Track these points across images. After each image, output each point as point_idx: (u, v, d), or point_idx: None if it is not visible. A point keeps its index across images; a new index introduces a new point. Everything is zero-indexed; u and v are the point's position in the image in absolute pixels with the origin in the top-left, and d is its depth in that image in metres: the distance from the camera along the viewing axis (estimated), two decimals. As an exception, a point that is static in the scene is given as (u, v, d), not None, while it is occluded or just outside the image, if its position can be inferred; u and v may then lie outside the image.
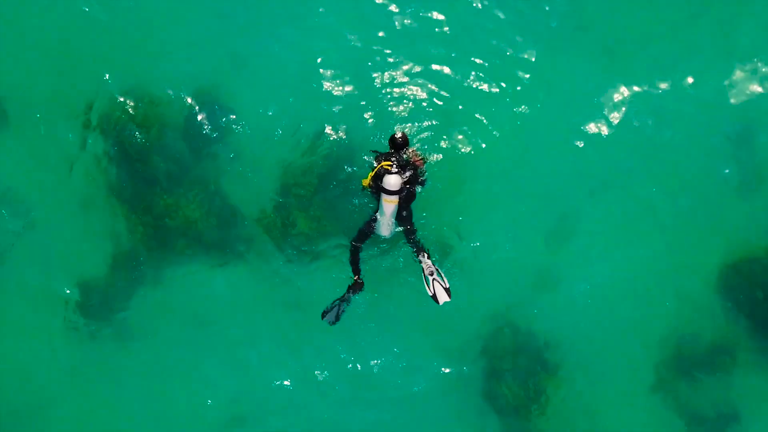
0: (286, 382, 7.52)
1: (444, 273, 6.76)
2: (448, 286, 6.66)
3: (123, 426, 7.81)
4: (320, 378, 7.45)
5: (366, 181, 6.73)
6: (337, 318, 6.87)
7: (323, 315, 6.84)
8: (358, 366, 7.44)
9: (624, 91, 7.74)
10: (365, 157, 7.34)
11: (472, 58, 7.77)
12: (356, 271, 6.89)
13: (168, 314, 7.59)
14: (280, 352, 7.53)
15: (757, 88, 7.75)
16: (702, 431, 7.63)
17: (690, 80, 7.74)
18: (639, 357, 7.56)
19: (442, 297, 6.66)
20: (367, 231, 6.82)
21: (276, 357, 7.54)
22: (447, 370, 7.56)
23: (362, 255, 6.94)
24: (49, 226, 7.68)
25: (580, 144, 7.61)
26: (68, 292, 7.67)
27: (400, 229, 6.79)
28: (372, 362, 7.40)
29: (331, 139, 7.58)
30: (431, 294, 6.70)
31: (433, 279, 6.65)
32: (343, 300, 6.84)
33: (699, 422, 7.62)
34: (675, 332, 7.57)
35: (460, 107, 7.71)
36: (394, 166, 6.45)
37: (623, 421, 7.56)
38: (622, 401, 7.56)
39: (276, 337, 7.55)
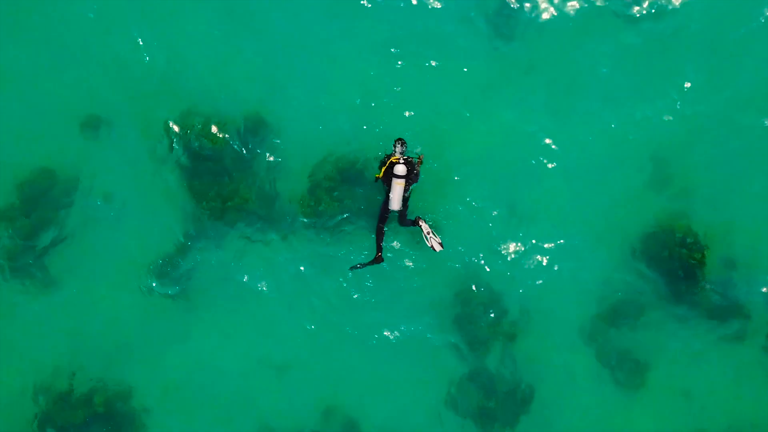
0: (311, 326, 9.99)
1: (435, 231, 9.47)
2: (440, 240, 9.36)
3: (181, 373, 10.03)
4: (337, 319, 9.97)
5: (379, 175, 9.40)
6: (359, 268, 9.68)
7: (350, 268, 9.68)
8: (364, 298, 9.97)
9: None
10: (375, 158, 10.01)
11: (451, 97, 10.59)
12: (379, 248, 9.64)
13: (223, 273, 10.02)
14: (310, 302, 9.99)
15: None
16: (625, 368, 10.15)
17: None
18: (573, 307, 10.17)
19: (437, 248, 9.44)
20: (384, 213, 9.49)
21: (307, 307, 10.00)
22: (428, 318, 10.12)
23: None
24: (134, 211, 10.15)
25: (531, 146, 10.42)
26: (147, 260, 10.06)
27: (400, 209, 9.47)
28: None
29: (348, 147, 10.24)
30: (430, 245, 9.39)
31: (430, 235, 9.33)
32: (364, 266, 9.54)
33: (620, 364, 10.14)
34: (602, 288, 10.23)
35: (444, 128, 10.48)
36: (401, 159, 9.17)
37: (562, 359, 10.08)
38: (562, 343, 10.12)
39: (306, 291, 10.02)
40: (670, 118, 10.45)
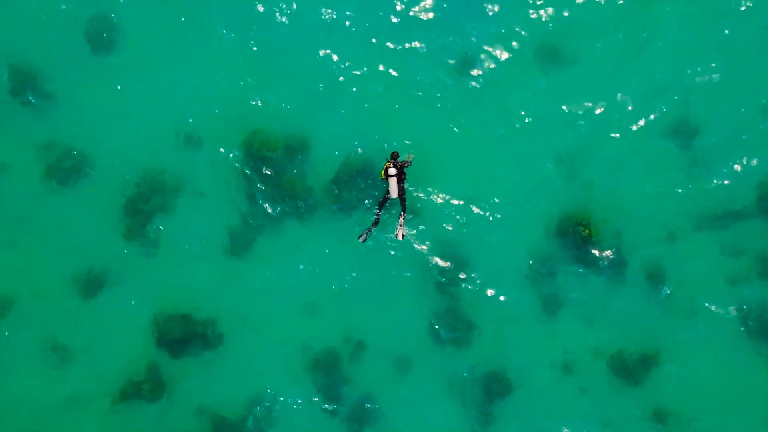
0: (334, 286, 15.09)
1: (405, 225, 14.59)
2: (405, 233, 14.45)
3: (249, 308, 15.14)
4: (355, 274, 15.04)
5: (383, 174, 14.41)
6: (365, 239, 14.49)
7: (359, 237, 14.50)
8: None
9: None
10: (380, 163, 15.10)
11: (431, 117, 15.62)
12: (377, 217, 14.57)
13: (278, 236, 15.14)
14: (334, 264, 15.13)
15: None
16: (548, 303, 15.10)
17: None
18: (510, 261, 15.21)
19: (400, 237, 14.55)
20: (385, 196, 14.49)
21: (332, 262, 15.10)
22: (408, 274, 15.11)
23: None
24: (220, 201, 15.20)
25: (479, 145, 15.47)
26: (228, 231, 15.14)
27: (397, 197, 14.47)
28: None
29: (361, 156, 15.26)
30: (395, 234, 14.54)
31: (400, 228, 14.45)
32: (370, 230, 14.51)
33: (544, 299, 15.10)
34: (530, 251, 15.23)
35: (427, 143, 15.50)
36: (392, 165, 14.21)
37: (504, 295, 15.10)
38: (503, 284, 15.15)
39: (332, 253, 15.14)
40: (579, 134, 15.52)
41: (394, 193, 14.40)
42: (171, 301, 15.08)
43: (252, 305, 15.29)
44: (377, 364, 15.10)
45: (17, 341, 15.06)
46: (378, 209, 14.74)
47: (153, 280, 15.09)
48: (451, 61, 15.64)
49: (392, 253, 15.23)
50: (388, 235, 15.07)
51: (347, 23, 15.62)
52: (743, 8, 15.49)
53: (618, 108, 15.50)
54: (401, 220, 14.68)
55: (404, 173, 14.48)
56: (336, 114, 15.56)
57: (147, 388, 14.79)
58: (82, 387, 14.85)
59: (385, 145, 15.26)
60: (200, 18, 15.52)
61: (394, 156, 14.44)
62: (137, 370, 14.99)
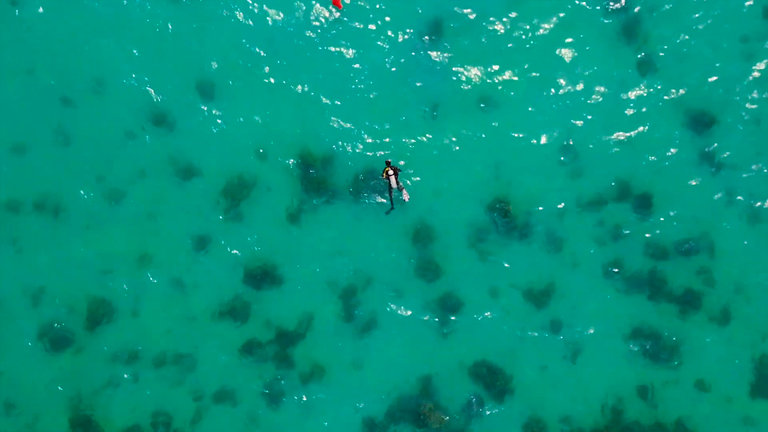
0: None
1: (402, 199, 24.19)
2: (408, 198, 24.07)
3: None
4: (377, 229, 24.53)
5: (383, 175, 23.95)
6: (389, 213, 24.32)
7: (386, 213, 24.27)
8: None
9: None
10: (379, 167, 24.64)
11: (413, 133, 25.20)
12: (391, 202, 24.20)
13: (315, 214, 24.64)
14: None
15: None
16: (481, 254, 24.58)
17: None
18: (458, 230, 24.67)
19: (406, 199, 24.08)
20: (390, 188, 24.00)
21: (352, 228, 24.61)
22: (393, 254, 24.61)
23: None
24: (280, 195, 24.70)
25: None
26: (283, 212, 24.64)
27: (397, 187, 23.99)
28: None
29: (367, 165, 24.81)
30: (403, 198, 24.08)
31: (403, 190, 24.05)
32: (392, 208, 24.22)
33: (479, 254, 24.58)
34: (469, 225, 24.73)
35: (409, 155, 25.06)
36: (389, 169, 23.80)
37: (454, 253, 24.56)
38: (454, 247, 24.61)
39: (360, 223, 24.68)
40: (506, 151, 25.07)
41: (394, 185, 23.85)
42: (254, 255, 24.51)
43: (297, 257, 24.67)
44: (380, 291, 24.51)
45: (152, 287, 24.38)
46: (390, 196, 24.27)
47: (242, 239, 24.61)
48: (425, 109, 25.36)
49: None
50: (401, 198, 24.45)
51: (372, 95, 25.30)
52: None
53: (530, 135, 25.16)
54: (404, 192, 24.15)
55: (398, 172, 23.96)
56: (352, 145, 25.19)
57: (238, 306, 24.20)
58: (201, 310, 24.25)
59: (380, 152, 25.00)
60: (282, 79, 25.27)
61: (388, 163, 23.94)
62: (229, 298, 24.36)
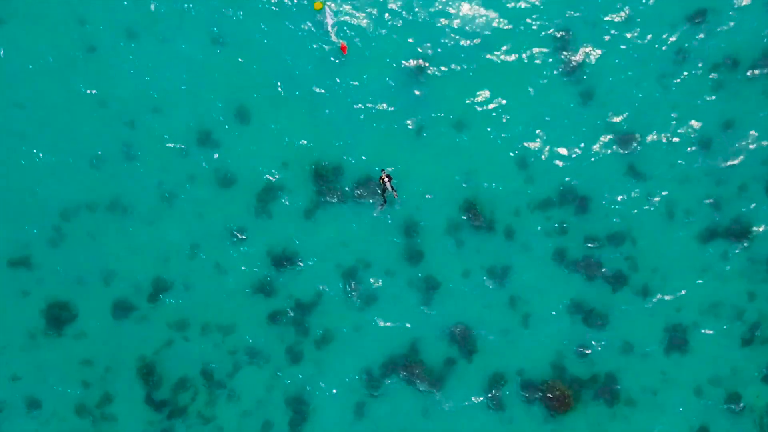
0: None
1: (394, 199, 31.16)
2: (397, 196, 31.06)
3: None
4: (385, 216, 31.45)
5: (380, 180, 30.87)
6: (377, 214, 31.15)
7: (374, 213, 31.22)
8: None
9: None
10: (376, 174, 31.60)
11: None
12: (384, 199, 31.04)
13: (326, 211, 31.62)
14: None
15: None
16: (459, 244, 31.44)
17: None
18: (437, 225, 31.54)
19: (396, 197, 30.98)
20: (384, 189, 30.88)
21: (354, 223, 31.52)
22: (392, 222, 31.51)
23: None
24: (295, 194, 31.64)
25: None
26: (300, 209, 31.59)
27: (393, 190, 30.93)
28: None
29: (369, 173, 31.76)
30: (395, 197, 30.99)
31: (393, 191, 30.90)
32: (381, 206, 31.12)
33: (456, 244, 31.44)
34: (447, 220, 31.59)
35: (399, 165, 32.00)
36: (385, 175, 30.77)
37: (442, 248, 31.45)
38: (434, 229, 31.50)
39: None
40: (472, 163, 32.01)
41: (388, 188, 30.68)
42: (278, 244, 31.43)
43: (311, 246, 31.49)
44: (376, 272, 31.31)
45: (199, 269, 31.25)
46: (382, 196, 31.02)
47: (268, 232, 31.52)
48: (411, 126, 32.33)
49: (390, 221, 31.64)
50: (393, 198, 31.31)
51: (373, 123, 32.36)
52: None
53: (494, 152, 32.14)
54: (394, 192, 30.80)
55: (391, 179, 30.82)
56: (355, 158, 32.17)
57: (265, 284, 31.08)
58: (237, 287, 31.11)
59: (376, 168, 31.91)
60: (301, 108, 32.28)
61: (384, 172, 30.82)
62: (258, 278, 31.21)
